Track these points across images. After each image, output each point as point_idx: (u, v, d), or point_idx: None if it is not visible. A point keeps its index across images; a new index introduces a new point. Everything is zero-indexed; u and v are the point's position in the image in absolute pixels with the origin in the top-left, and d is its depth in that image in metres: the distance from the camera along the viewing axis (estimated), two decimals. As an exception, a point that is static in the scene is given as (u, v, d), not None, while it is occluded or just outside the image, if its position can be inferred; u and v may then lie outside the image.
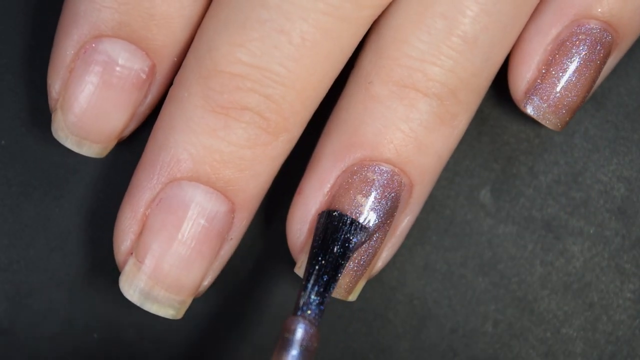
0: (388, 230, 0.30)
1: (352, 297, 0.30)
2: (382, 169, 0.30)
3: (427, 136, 0.29)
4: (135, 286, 0.30)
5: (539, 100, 0.31)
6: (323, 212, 0.30)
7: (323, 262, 0.29)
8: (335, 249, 0.29)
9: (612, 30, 0.31)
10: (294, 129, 0.29)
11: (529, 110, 0.31)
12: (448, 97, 0.29)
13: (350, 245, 0.29)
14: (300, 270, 0.30)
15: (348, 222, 0.29)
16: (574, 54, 0.31)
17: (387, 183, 0.30)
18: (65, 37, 0.30)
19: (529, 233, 0.33)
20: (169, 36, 0.30)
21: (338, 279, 0.29)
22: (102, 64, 0.30)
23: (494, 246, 0.33)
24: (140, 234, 0.30)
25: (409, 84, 0.29)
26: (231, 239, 0.30)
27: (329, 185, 0.30)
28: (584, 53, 0.31)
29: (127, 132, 0.31)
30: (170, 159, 0.29)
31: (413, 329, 0.33)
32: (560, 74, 0.31)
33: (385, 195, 0.30)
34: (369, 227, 0.29)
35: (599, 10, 0.30)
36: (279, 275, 0.33)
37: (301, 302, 0.28)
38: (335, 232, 0.29)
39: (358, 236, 0.29)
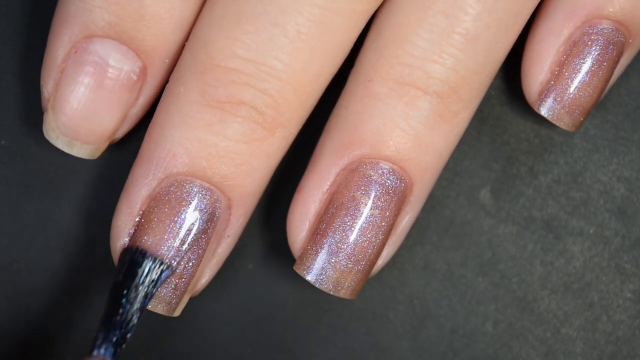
0: (386, 229, 0.30)
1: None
2: (382, 167, 0.30)
3: (427, 134, 0.29)
4: None
5: (552, 102, 0.31)
6: (128, 249, 0.29)
7: (126, 304, 0.28)
8: (141, 293, 0.29)
9: (624, 30, 0.31)
10: (290, 125, 0.29)
11: (544, 111, 0.31)
12: (449, 95, 0.29)
13: (154, 290, 0.29)
14: (299, 268, 0.30)
15: (157, 264, 0.29)
16: (586, 55, 0.31)
17: (386, 181, 0.30)
18: (57, 37, 0.30)
19: (529, 233, 0.33)
20: (159, 37, 0.30)
21: (137, 321, 0.29)
22: (93, 64, 0.30)
23: (494, 246, 0.33)
24: (136, 230, 0.30)
25: (409, 81, 0.29)
26: (228, 236, 0.30)
27: (328, 184, 0.30)
28: (596, 53, 0.31)
29: (120, 134, 0.31)
30: (166, 154, 0.29)
31: (413, 329, 0.33)
32: (573, 75, 0.31)
33: (384, 193, 0.30)
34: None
35: (611, 9, 0.30)
36: (278, 274, 0.33)
37: (99, 341, 0.28)
38: (140, 274, 0.29)
39: (163, 275, 0.29)
